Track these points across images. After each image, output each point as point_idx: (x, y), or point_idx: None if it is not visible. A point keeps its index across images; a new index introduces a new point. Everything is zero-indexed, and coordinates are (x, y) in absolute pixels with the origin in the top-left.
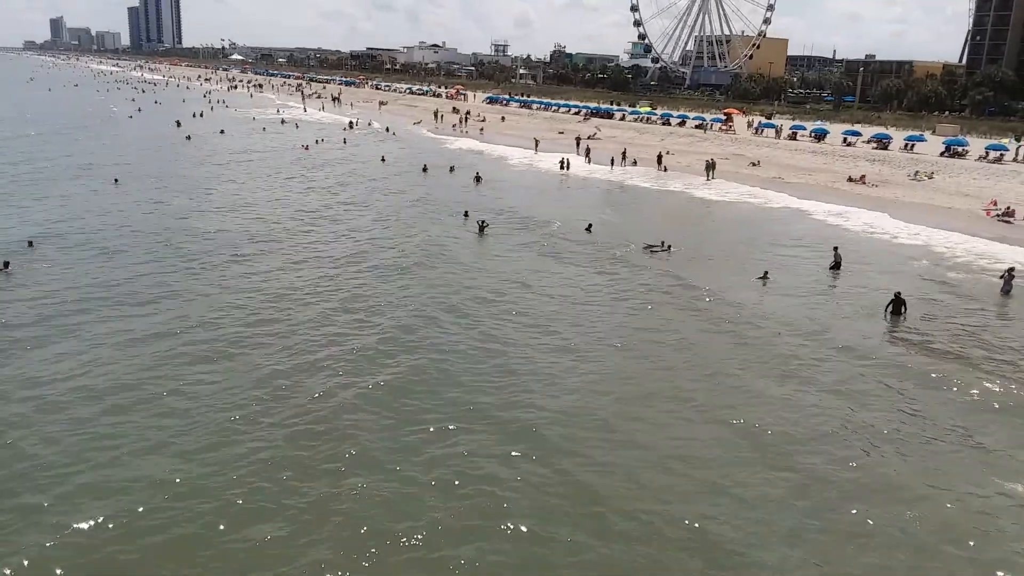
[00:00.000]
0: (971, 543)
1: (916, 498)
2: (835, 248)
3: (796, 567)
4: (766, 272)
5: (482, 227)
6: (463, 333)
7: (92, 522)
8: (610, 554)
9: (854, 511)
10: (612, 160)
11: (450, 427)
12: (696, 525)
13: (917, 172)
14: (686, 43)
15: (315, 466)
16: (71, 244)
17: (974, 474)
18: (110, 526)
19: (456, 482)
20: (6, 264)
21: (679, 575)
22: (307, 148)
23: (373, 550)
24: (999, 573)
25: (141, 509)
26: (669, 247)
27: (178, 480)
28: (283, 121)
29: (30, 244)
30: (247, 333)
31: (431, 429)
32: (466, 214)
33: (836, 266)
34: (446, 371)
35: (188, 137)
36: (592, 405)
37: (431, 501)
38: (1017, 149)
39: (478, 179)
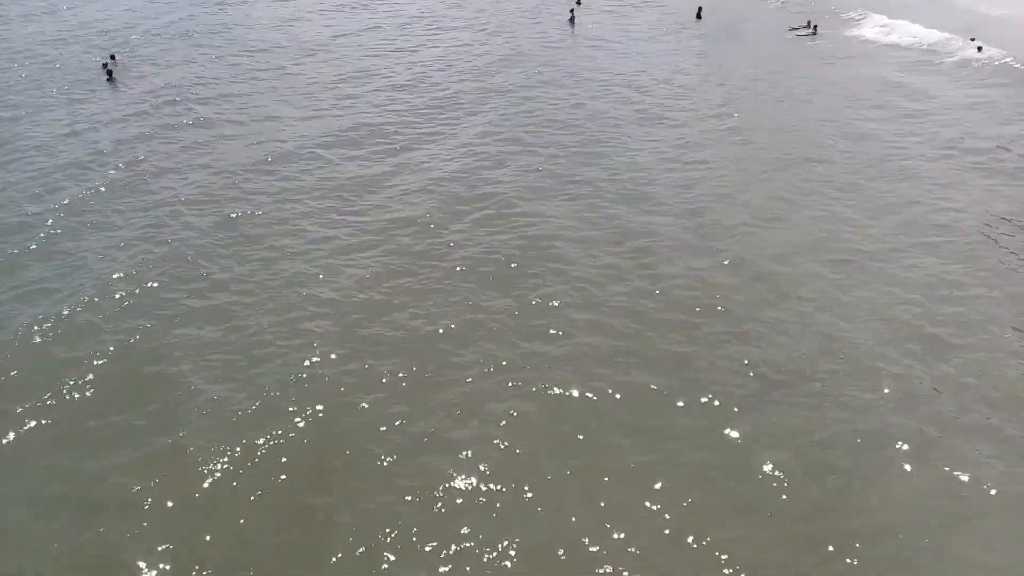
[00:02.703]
0: None
1: None
2: (972, 39)
3: None
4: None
5: (572, 18)
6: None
7: None
8: None
9: None
10: None
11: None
12: None
13: None
14: None
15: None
16: (159, 47)
17: None
18: None
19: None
20: (112, 57)
21: None
22: None
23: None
24: None
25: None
26: (815, 27)
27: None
28: None
29: (112, 57)
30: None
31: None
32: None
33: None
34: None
35: None
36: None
37: None
38: None
39: None
